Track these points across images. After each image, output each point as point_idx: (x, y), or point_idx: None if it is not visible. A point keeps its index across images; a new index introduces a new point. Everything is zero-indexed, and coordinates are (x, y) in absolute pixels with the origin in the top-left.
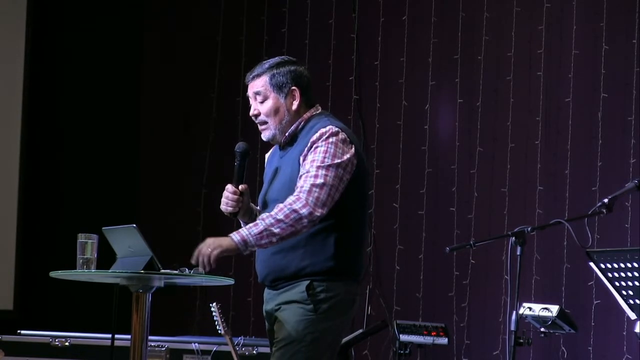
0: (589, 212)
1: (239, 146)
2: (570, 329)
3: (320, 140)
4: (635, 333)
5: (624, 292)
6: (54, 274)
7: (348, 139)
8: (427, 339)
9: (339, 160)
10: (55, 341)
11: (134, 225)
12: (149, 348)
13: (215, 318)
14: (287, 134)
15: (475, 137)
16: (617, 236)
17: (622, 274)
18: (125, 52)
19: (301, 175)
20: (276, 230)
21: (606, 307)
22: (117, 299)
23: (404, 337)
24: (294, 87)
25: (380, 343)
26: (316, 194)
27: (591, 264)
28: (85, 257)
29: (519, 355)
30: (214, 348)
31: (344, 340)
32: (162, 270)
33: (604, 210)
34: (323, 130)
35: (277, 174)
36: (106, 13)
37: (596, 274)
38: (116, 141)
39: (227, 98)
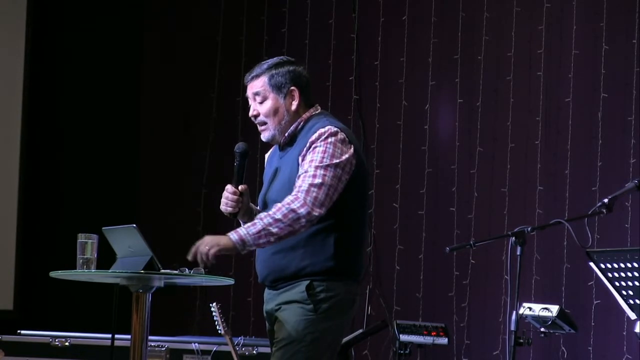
0: (589, 212)
1: (239, 146)
2: (570, 329)
3: (319, 141)
4: (635, 333)
5: (624, 292)
6: (54, 274)
7: (347, 139)
8: (427, 339)
9: (338, 161)
10: (55, 341)
11: (134, 225)
12: (149, 348)
13: (215, 318)
14: (286, 134)
15: (475, 137)
16: (617, 236)
17: (622, 274)
18: (125, 52)
19: (299, 175)
20: (274, 230)
21: (606, 307)
22: (117, 299)
23: (404, 337)
24: (293, 88)
25: (380, 343)
26: (314, 194)
27: (591, 264)
28: (85, 257)
29: (519, 355)
30: (214, 348)
31: (344, 340)
32: (162, 270)
33: (604, 210)
34: (322, 130)
35: (277, 174)
36: (106, 13)
37: (596, 274)
38: (116, 141)
39: (227, 98)
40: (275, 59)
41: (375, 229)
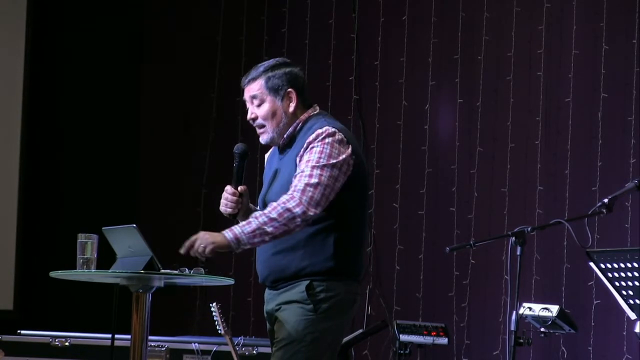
0: (589, 212)
1: (238, 147)
2: (570, 329)
3: (316, 141)
4: (635, 333)
5: (624, 292)
6: (54, 274)
7: (345, 139)
8: (427, 339)
9: (335, 161)
10: (55, 341)
11: (134, 225)
12: (149, 348)
13: (215, 318)
14: (285, 136)
15: (475, 137)
16: (617, 236)
17: (622, 274)
18: (125, 52)
19: (296, 175)
20: (269, 229)
21: (606, 307)
22: (117, 299)
23: (404, 337)
24: (290, 89)
25: (380, 343)
26: (310, 193)
27: (591, 264)
28: (85, 257)
29: (519, 355)
30: (214, 348)
31: (344, 340)
32: (162, 270)
33: (604, 210)
34: (320, 131)
35: (277, 175)
36: (106, 13)
37: (596, 274)
38: (116, 141)
39: (227, 98)
40: (271, 60)
41: (375, 229)
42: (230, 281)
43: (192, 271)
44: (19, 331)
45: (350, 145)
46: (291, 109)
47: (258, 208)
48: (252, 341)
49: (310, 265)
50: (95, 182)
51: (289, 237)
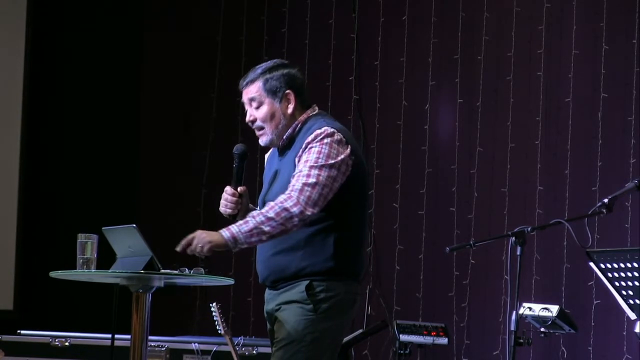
0: (589, 212)
1: (237, 148)
2: (570, 329)
3: (314, 141)
4: (635, 333)
5: (624, 292)
6: (54, 274)
7: (344, 140)
8: (427, 339)
9: (333, 161)
10: (55, 341)
11: (134, 225)
12: (149, 348)
13: (215, 318)
14: (284, 138)
15: (475, 137)
16: (617, 236)
17: (622, 274)
18: (125, 52)
19: (294, 175)
20: (266, 229)
21: (606, 307)
22: (117, 299)
23: (404, 337)
24: (288, 91)
25: (380, 343)
26: (308, 193)
27: (591, 264)
28: (85, 257)
29: (519, 355)
30: (214, 348)
31: (344, 340)
32: (162, 270)
33: (604, 210)
34: (318, 131)
35: (277, 176)
36: (106, 13)
37: (596, 274)
38: (116, 141)
39: (227, 98)
40: (269, 62)
41: (375, 229)
42: (230, 281)
43: (192, 271)
44: (19, 331)
45: (349, 146)
46: (290, 110)
47: (258, 209)
48: (252, 341)
49: (310, 265)
50: (95, 182)
51: (289, 237)
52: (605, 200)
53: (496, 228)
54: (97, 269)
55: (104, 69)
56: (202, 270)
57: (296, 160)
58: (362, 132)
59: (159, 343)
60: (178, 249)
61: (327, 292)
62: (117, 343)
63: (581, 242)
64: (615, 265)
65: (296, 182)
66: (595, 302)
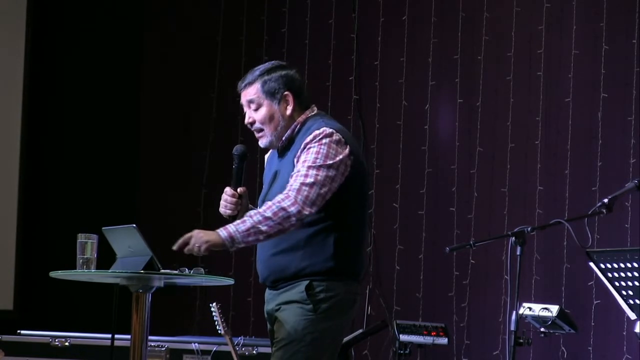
0: (589, 212)
1: (237, 149)
2: (570, 329)
3: (313, 142)
4: (635, 333)
5: (624, 292)
6: (54, 274)
7: (343, 140)
8: (427, 339)
9: (331, 161)
10: (55, 341)
11: (134, 225)
12: (149, 348)
13: (215, 318)
14: (283, 139)
15: (475, 137)
16: (617, 236)
17: (622, 274)
18: (125, 52)
19: (292, 175)
20: (263, 228)
21: (606, 307)
22: (117, 299)
23: (404, 337)
24: (286, 92)
25: (380, 343)
26: (305, 193)
27: (591, 264)
28: (85, 257)
29: (519, 355)
30: (214, 348)
31: (344, 340)
32: (162, 270)
33: (604, 210)
34: (317, 132)
35: (277, 177)
36: (106, 13)
37: (596, 274)
38: (116, 141)
39: (227, 98)
40: (267, 64)
41: (375, 229)
42: (230, 281)
43: (192, 271)
44: (19, 331)
45: (348, 146)
46: (288, 111)
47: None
48: (252, 341)
49: (310, 265)
50: (95, 182)
51: (289, 237)
52: (605, 200)
53: (496, 228)
54: (97, 269)
55: (104, 69)
56: (202, 270)
57: (295, 160)
58: (362, 132)
59: (159, 343)
60: (175, 247)
61: (327, 292)
62: (117, 343)
63: (581, 242)
64: (615, 265)
65: (294, 182)
66: (595, 302)
